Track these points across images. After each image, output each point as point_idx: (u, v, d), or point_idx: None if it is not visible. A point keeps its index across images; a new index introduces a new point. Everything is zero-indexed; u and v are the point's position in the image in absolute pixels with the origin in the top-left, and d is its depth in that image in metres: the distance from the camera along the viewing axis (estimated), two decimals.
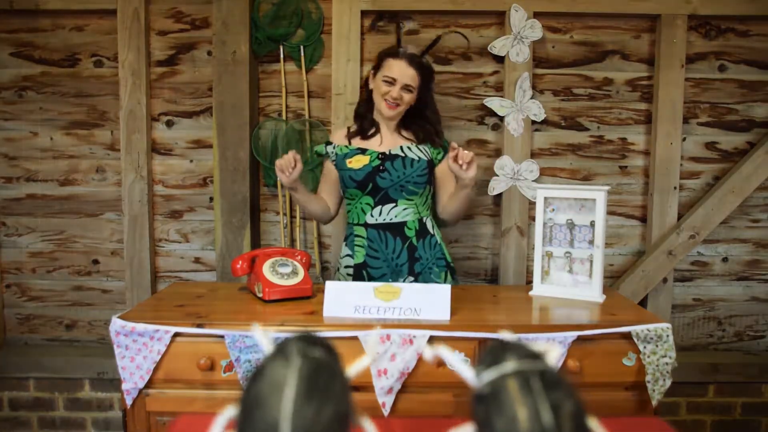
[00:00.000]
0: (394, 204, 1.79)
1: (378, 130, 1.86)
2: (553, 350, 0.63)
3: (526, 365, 0.55)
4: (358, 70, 2.27)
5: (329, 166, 1.89)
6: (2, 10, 2.26)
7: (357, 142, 1.86)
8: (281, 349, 0.57)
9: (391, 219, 1.79)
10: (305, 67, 2.30)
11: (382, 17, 2.31)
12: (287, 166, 1.65)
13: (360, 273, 1.81)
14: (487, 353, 0.60)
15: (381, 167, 1.77)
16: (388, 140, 1.85)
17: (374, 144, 1.84)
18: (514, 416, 0.51)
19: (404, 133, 1.86)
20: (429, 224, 1.85)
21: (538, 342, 0.67)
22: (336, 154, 1.85)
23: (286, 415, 0.50)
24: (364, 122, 1.87)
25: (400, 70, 1.74)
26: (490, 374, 0.56)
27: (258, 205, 2.38)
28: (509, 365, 0.56)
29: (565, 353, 1.36)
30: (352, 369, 0.62)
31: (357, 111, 1.92)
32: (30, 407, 2.38)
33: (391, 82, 1.75)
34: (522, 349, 0.58)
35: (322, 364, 0.55)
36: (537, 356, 0.58)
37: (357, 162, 1.78)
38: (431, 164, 1.83)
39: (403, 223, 1.80)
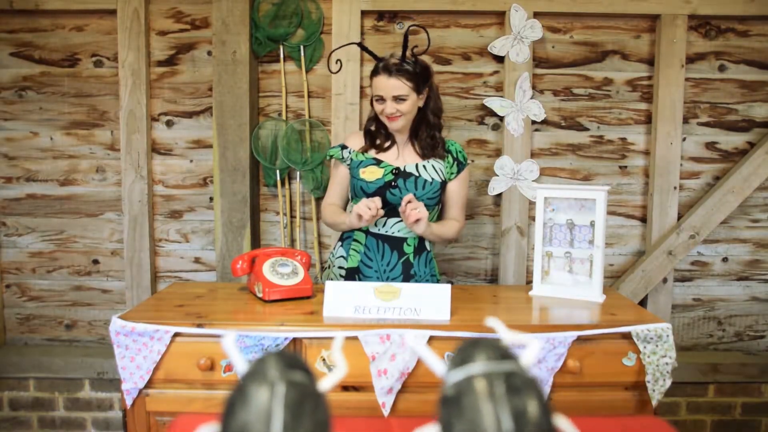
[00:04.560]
0: (399, 219, 1.76)
1: (394, 142, 1.82)
2: (532, 346, 0.63)
3: (493, 367, 0.55)
4: (358, 70, 2.27)
5: (342, 171, 1.84)
6: (2, 10, 2.26)
7: (373, 153, 1.81)
8: (260, 370, 0.56)
9: (393, 233, 1.77)
10: (305, 67, 2.30)
11: (382, 17, 2.31)
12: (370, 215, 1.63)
13: (352, 277, 1.80)
14: (458, 352, 0.59)
15: (393, 183, 1.73)
16: (404, 153, 1.81)
17: (391, 157, 1.79)
18: (475, 423, 0.51)
19: (416, 146, 1.81)
20: (427, 240, 1.83)
21: (518, 337, 0.65)
22: (351, 159, 1.81)
23: None
24: (378, 137, 1.82)
25: (383, 85, 1.69)
26: (456, 375, 0.56)
27: (258, 205, 2.38)
28: (476, 366, 0.55)
29: (565, 353, 1.36)
30: (326, 383, 0.61)
31: (367, 129, 1.85)
32: (30, 407, 2.38)
33: (381, 99, 1.71)
34: (493, 347, 0.58)
35: (305, 392, 0.55)
36: (508, 356, 0.57)
37: (371, 174, 1.75)
38: (444, 184, 1.79)
39: (404, 239, 1.78)
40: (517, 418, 0.50)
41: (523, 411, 0.51)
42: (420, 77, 1.72)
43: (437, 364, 0.62)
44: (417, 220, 1.64)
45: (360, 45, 1.89)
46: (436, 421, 0.56)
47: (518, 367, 0.55)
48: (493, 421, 0.50)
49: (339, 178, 1.86)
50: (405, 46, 1.73)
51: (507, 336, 0.65)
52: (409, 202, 1.63)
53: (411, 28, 1.81)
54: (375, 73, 1.72)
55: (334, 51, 2.02)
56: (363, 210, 1.63)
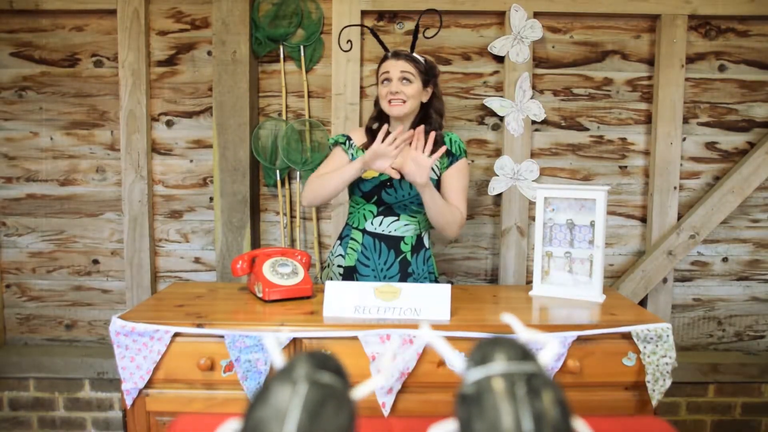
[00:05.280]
0: (396, 218, 1.76)
1: None
2: (550, 346, 0.63)
3: (514, 367, 0.54)
4: (358, 70, 2.27)
5: (343, 156, 1.81)
6: (2, 10, 2.26)
7: None
8: (289, 369, 0.55)
9: (390, 232, 1.78)
10: (305, 67, 2.30)
11: (382, 17, 2.31)
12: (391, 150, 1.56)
13: (350, 275, 1.80)
14: (477, 349, 0.59)
15: (388, 183, 1.74)
16: (402, 153, 1.77)
17: None
18: (495, 423, 0.51)
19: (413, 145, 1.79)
20: (425, 238, 1.83)
21: (536, 336, 0.65)
22: (352, 154, 1.81)
23: None
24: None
25: (392, 66, 1.73)
26: (476, 373, 0.55)
27: (258, 205, 2.38)
28: (496, 366, 0.55)
29: (565, 353, 1.36)
30: (361, 390, 0.60)
31: (368, 127, 1.85)
32: (30, 407, 2.38)
33: (388, 79, 1.73)
34: (513, 347, 0.57)
35: (329, 393, 0.53)
36: (528, 356, 0.57)
37: (367, 173, 1.73)
38: (440, 180, 1.79)
39: (401, 238, 1.78)
40: (538, 420, 0.50)
41: (543, 413, 0.51)
42: (426, 71, 1.76)
43: (454, 358, 0.61)
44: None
45: (372, 31, 1.90)
46: (454, 417, 0.56)
47: (539, 368, 0.55)
48: (513, 422, 0.50)
49: (338, 159, 1.81)
50: (415, 37, 1.81)
51: (524, 334, 0.65)
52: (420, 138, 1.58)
53: (423, 15, 1.85)
54: (384, 59, 1.77)
55: (344, 29, 2.05)
56: (386, 148, 1.56)
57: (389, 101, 1.73)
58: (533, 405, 0.51)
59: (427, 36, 1.85)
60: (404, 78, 1.71)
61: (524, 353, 0.57)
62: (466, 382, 0.56)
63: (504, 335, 0.61)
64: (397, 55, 1.75)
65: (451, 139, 1.83)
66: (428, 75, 1.76)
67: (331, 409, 0.52)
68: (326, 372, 0.56)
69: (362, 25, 2.12)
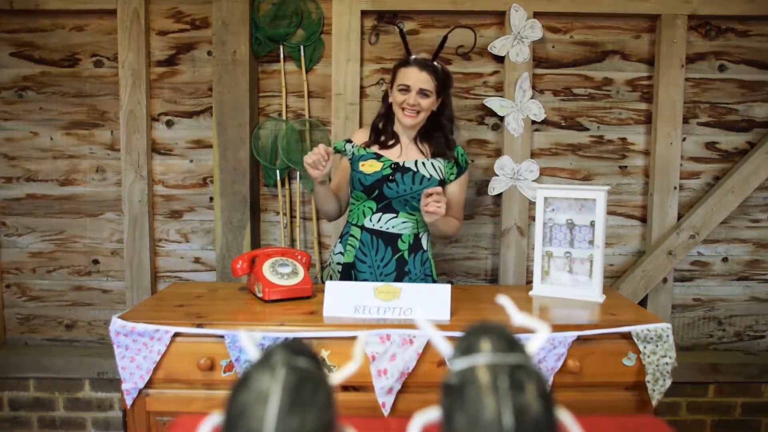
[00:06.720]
0: (394, 215, 1.78)
1: (398, 142, 1.84)
2: (540, 333, 0.63)
3: (499, 358, 0.55)
4: (358, 70, 2.27)
5: (345, 164, 1.89)
6: (2, 10, 2.26)
7: (375, 149, 1.84)
8: (266, 358, 0.58)
9: (387, 228, 1.79)
10: (305, 67, 2.30)
11: (383, 17, 2.31)
12: (319, 161, 1.63)
13: (348, 272, 1.82)
14: (464, 338, 0.59)
15: (390, 177, 1.76)
16: (407, 152, 1.83)
17: (393, 154, 1.82)
18: (476, 415, 0.51)
19: (421, 146, 1.84)
20: (424, 239, 1.84)
21: (528, 320, 0.65)
22: (353, 153, 1.84)
23: (270, 427, 0.51)
24: (384, 134, 1.86)
25: (413, 76, 1.74)
26: (461, 363, 0.56)
27: (258, 205, 2.38)
28: (481, 357, 0.55)
29: (565, 353, 1.36)
30: (339, 375, 0.63)
31: (375, 123, 1.88)
32: (30, 407, 2.38)
33: (406, 89, 1.75)
34: (500, 336, 0.58)
35: (306, 375, 0.56)
36: (514, 346, 0.57)
37: (369, 167, 1.77)
38: (443, 184, 1.81)
39: (398, 236, 1.79)
40: (519, 414, 0.51)
41: (525, 407, 0.51)
42: (443, 82, 1.79)
43: (445, 347, 0.62)
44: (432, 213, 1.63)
45: (401, 32, 1.93)
46: (439, 406, 0.57)
47: (524, 359, 0.56)
48: (494, 415, 0.50)
49: (340, 171, 1.91)
50: (441, 47, 1.86)
51: (517, 317, 0.65)
52: (431, 195, 1.62)
53: (407, 29, 1.89)
54: (405, 64, 1.78)
55: (375, 26, 2.13)
56: (306, 158, 1.64)
57: (403, 109, 1.77)
58: (515, 399, 0.51)
59: (459, 53, 1.90)
60: (423, 93, 1.75)
61: (510, 343, 0.57)
62: (451, 371, 0.56)
63: (491, 322, 0.61)
64: (419, 65, 1.75)
65: (457, 152, 1.87)
66: (443, 87, 1.79)
67: (309, 390, 0.55)
68: (302, 357, 0.58)
69: (399, 28, 2.13)
